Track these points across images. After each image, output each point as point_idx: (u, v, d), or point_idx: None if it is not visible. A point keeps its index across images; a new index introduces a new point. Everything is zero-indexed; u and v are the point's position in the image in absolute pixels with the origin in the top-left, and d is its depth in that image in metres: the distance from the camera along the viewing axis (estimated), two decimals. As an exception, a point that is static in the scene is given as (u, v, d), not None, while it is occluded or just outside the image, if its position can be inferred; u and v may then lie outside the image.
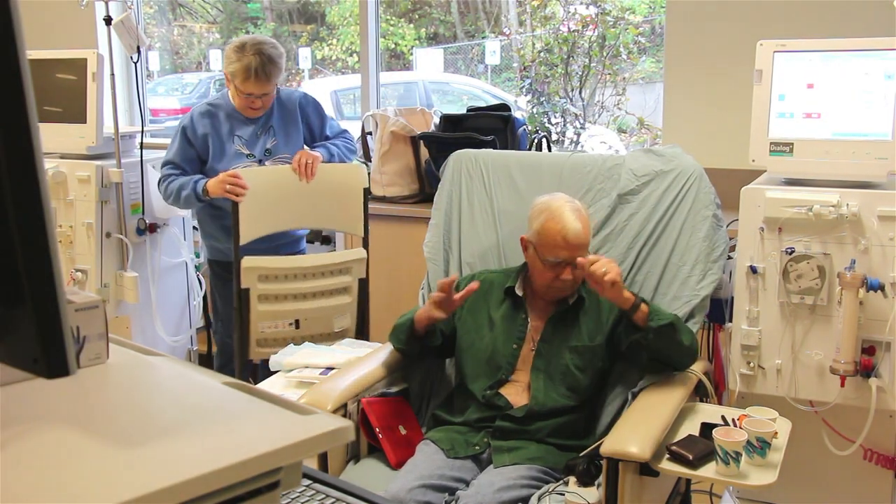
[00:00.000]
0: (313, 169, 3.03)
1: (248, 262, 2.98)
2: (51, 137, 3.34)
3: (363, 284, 3.13)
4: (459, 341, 2.34)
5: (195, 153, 3.08)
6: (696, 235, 2.39)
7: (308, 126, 3.20)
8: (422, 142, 3.59)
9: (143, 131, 3.46)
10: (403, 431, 2.21)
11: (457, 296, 2.20)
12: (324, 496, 1.24)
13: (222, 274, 3.16)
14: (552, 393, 2.20)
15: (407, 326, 2.29)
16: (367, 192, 3.15)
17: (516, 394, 2.23)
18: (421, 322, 2.26)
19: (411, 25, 5.69)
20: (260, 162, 3.11)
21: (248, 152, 3.09)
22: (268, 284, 3.01)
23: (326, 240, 3.76)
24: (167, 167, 3.09)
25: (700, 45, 3.29)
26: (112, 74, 3.46)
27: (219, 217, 3.11)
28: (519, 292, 2.32)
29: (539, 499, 1.95)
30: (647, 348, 2.14)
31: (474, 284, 2.23)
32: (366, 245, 3.17)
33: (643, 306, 2.10)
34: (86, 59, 3.35)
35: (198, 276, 3.74)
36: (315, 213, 3.13)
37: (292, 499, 1.23)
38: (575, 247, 2.18)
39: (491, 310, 2.33)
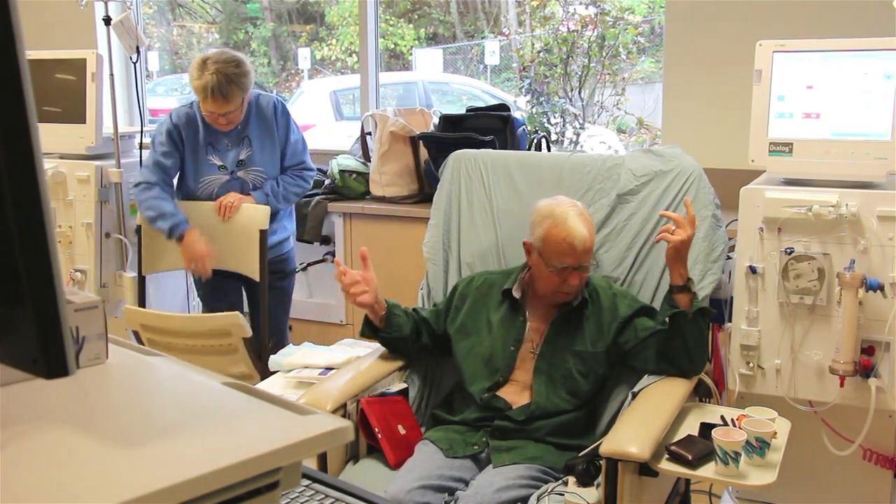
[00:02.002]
0: (231, 210, 3.02)
1: (129, 311, 3.00)
2: (50, 138, 3.34)
3: (251, 342, 2.93)
4: (458, 343, 2.34)
5: (178, 159, 3.06)
6: (695, 235, 2.39)
7: None
8: (421, 142, 3.59)
9: (142, 131, 3.46)
10: (402, 431, 2.20)
11: (361, 274, 2.23)
12: (323, 496, 1.24)
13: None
14: (553, 396, 2.19)
15: (364, 317, 2.31)
16: (263, 233, 3.03)
17: (514, 393, 2.23)
18: (372, 314, 2.29)
19: (411, 25, 5.69)
20: (232, 174, 3.08)
21: (221, 163, 3.07)
22: (151, 334, 2.97)
23: (326, 240, 3.76)
24: (147, 175, 3.04)
25: (699, 45, 3.29)
26: (111, 74, 3.46)
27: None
28: (516, 294, 2.30)
29: (538, 499, 1.94)
30: (668, 336, 2.13)
31: (364, 250, 2.26)
32: (263, 291, 3.05)
33: (692, 286, 2.12)
34: (85, 60, 3.35)
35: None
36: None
37: (292, 499, 1.23)
38: (581, 253, 2.16)
39: (490, 312, 2.33)
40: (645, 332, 2.18)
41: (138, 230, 3.30)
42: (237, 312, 2.93)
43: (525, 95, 4.26)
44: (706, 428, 1.95)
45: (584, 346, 2.23)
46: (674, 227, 2.13)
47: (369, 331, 2.33)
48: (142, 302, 3.27)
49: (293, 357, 2.57)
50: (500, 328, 2.29)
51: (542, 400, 2.19)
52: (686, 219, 2.13)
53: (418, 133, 3.61)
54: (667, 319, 2.15)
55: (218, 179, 3.09)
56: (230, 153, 3.07)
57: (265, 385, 2.46)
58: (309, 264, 3.81)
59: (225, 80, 2.86)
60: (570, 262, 2.17)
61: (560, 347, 2.23)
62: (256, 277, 3.06)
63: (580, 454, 2.02)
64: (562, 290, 2.21)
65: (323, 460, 2.11)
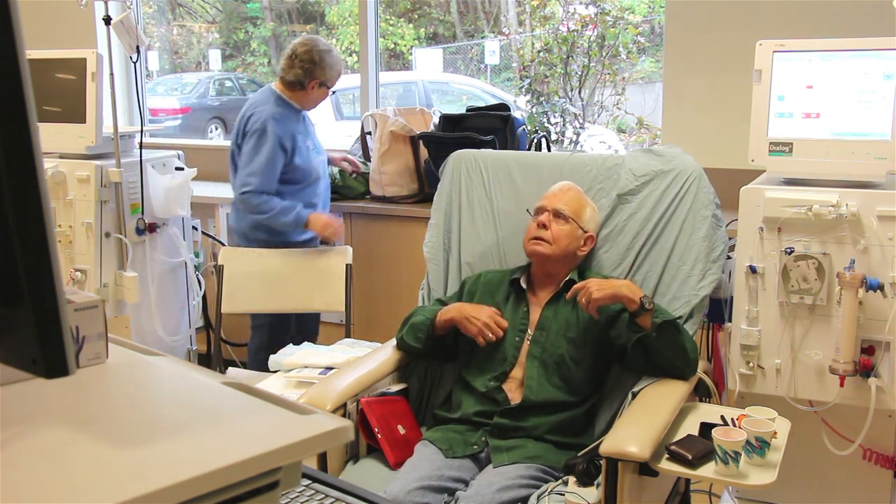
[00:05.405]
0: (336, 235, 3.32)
1: None
2: (50, 137, 3.33)
3: None
4: (465, 339, 2.34)
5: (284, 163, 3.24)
6: (695, 235, 2.39)
7: None
8: (421, 142, 3.59)
9: (142, 131, 3.46)
10: (402, 431, 2.21)
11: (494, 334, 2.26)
12: (323, 496, 1.24)
13: None
14: (545, 382, 2.20)
15: (428, 326, 2.31)
16: (349, 267, 3.28)
17: (513, 390, 2.24)
18: (444, 326, 2.31)
19: (411, 25, 5.70)
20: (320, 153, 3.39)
21: (312, 145, 3.33)
22: None
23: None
24: (268, 184, 3.18)
25: (699, 44, 3.29)
26: (111, 74, 3.45)
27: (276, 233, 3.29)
28: (523, 284, 2.35)
29: (538, 498, 1.94)
30: (646, 349, 2.14)
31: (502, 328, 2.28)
32: (348, 326, 3.24)
33: (647, 305, 2.09)
34: (85, 59, 3.35)
35: (197, 275, 3.74)
36: (298, 295, 3.28)
37: (292, 499, 1.23)
38: (552, 196, 2.38)
39: (498, 306, 2.35)
40: (633, 336, 2.17)
41: (137, 228, 3.30)
42: None
43: (525, 95, 4.26)
44: (706, 428, 1.95)
45: (577, 332, 2.24)
46: (585, 297, 2.12)
47: (431, 343, 2.34)
48: (217, 345, 3.40)
49: (293, 357, 2.57)
50: (509, 318, 2.31)
51: (534, 385, 2.19)
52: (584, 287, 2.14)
53: (418, 133, 3.61)
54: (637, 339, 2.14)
55: (320, 160, 3.37)
56: (312, 136, 3.35)
57: (265, 385, 2.46)
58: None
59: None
60: (544, 203, 2.36)
61: (554, 332, 2.25)
62: (341, 308, 3.26)
63: (580, 454, 2.03)
64: (533, 234, 2.33)
65: (323, 460, 2.11)
